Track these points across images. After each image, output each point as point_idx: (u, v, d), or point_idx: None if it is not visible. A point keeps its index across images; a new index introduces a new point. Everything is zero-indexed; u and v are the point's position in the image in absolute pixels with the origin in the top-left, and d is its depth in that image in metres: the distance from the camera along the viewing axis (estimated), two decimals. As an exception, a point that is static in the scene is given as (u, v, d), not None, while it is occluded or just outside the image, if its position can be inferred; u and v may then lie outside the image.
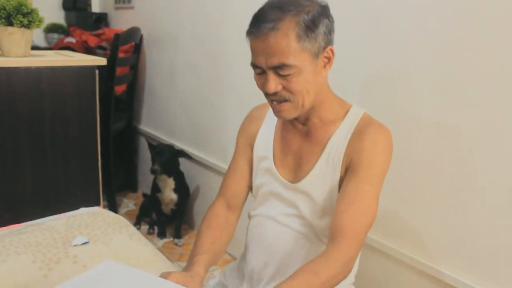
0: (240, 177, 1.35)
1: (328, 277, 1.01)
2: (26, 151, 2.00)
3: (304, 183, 1.22)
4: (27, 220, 1.42)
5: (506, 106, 1.34)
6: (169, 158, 2.75)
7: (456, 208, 1.50)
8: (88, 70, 2.11)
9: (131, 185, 3.61)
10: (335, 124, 1.21)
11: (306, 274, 1.01)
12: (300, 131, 1.25)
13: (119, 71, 3.00)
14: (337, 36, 1.14)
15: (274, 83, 1.07)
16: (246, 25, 1.09)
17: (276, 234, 1.28)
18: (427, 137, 1.55)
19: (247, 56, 1.11)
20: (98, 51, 3.35)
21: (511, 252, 1.38)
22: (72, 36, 3.48)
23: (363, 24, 1.72)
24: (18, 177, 2.01)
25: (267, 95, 1.13)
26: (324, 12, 1.09)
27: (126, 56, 3.20)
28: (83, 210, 1.51)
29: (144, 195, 3.24)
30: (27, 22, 1.93)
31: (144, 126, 3.51)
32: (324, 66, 1.12)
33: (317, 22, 1.05)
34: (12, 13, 1.90)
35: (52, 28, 3.77)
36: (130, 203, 3.40)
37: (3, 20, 1.90)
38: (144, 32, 3.35)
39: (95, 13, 3.90)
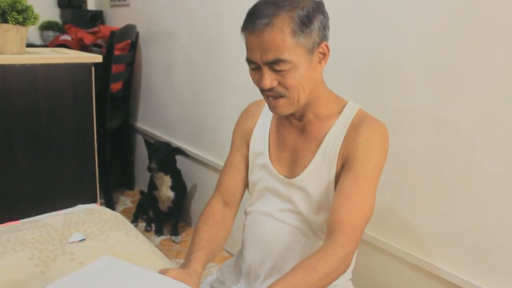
0: (236, 173, 1.35)
1: (326, 272, 1.01)
2: (22, 148, 1.99)
3: (300, 179, 1.22)
4: (24, 217, 1.42)
5: (502, 100, 1.34)
6: (165, 156, 2.75)
7: (452, 203, 1.50)
8: (84, 67, 2.10)
9: (128, 183, 3.61)
10: (330, 120, 1.21)
11: (304, 270, 1.01)
12: (296, 127, 1.25)
13: (115, 68, 2.99)
14: (331, 30, 1.14)
15: (269, 79, 1.08)
16: (242, 22, 1.09)
17: (272, 230, 1.28)
18: (423, 132, 1.55)
19: (244, 53, 1.11)
20: (93, 48, 3.34)
21: (506, 247, 1.38)
22: (68, 33, 3.47)
23: (357, 18, 1.72)
24: (14, 175, 2.00)
25: (262, 91, 1.13)
26: (319, 8, 1.09)
27: (122, 54, 3.19)
28: (80, 207, 1.51)
29: (141, 192, 3.24)
30: (22, 19, 1.92)
31: (141, 124, 3.51)
32: (319, 62, 1.12)
33: (311, 17, 1.06)
34: (6, 10, 1.89)
35: (48, 26, 3.75)
36: (127, 201, 3.40)
37: (-2, 17, 1.90)
38: (140, 29, 3.34)
39: (90, 11, 3.89)
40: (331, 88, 1.23)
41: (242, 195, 1.37)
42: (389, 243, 1.71)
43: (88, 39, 3.37)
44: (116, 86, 3.29)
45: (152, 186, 2.89)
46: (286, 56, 1.04)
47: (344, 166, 1.16)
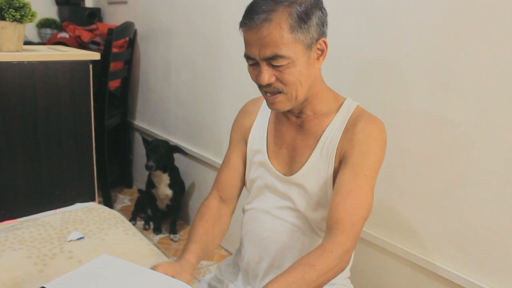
0: (233, 170, 1.35)
1: (325, 269, 1.01)
2: (19, 146, 1.99)
3: (298, 176, 1.22)
4: (22, 216, 1.42)
5: (500, 99, 1.34)
6: (164, 154, 2.74)
7: (450, 201, 1.50)
8: (81, 65, 2.09)
9: (126, 181, 3.61)
10: (328, 117, 1.21)
11: (302, 267, 1.01)
12: (294, 124, 1.25)
13: (113, 66, 2.98)
14: (329, 27, 1.14)
15: (267, 75, 1.08)
16: (241, 19, 1.09)
17: (270, 227, 1.28)
18: (421, 130, 1.55)
19: (242, 51, 1.11)
20: (91, 46, 3.33)
21: (505, 245, 1.38)
22: (66, 31, 3.46)
23: (355, 15, 1.72)
24: (12, 173, 1.99)
25: (260, 87, 1.13)
26: (317, 4, 1.09)
27: (120, 51, 3.18)
28: (78, 205, 1.51)
29: (139, 191, 3.24)
30: (19, 16, 1.91)
31: (139, 122, 3.50)
32: (318, 58, 1.12)
33: (309, 13, 1.06)
34: (3, 7, 1.88)
35: (45, 23, 3.74)
36: (125, 199, 3.39)
37: (-5, 14, 1.89)
38: (138, 27, 3.34)
39: (88, 8, 3.88)
40: (328, 85, 1.23)
41: (240, 193, 1.37)
42: (387, 241, 1.71)
43: (86, 36, 3.36)
44: (114, 84, 3.28)
45: (150, 184, 2.89)
46: (284, 51, 1.04)
47: (342, 163, 1.16)
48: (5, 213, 1.89)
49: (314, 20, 1.07)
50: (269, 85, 1.10)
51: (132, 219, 3.01)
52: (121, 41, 3.21)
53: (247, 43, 1.09)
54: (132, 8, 3.42)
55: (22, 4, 1.93)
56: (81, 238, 1.30)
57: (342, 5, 1.74)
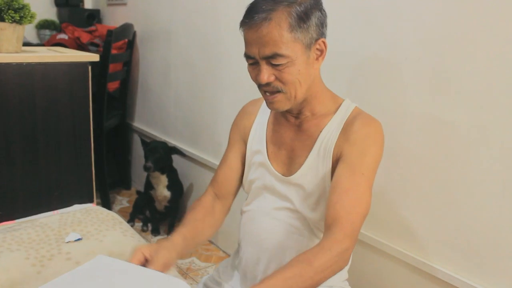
0: (230, 169, 1.35)
1: (322, 266, 1.01)
2: (18, 148, 1.99)
3: (296, 176, 1.23)
4: (20, 217, 1.42)
5: (498, 100, 1.35)
6: (162, 155, 2.74)
7: (449, 203, 1.50)
8: (80, 66, 2.10)
9: (124, 182, 3.60)
10: (326, 118, 1.22)
11: (300, 264, 1.01)
12: (293, 125, 1.26)
13: (112, 67, 2.98)
14: (327, 27, 1.15)
15: (267, 74, 1.09)
16: (241, 19, 1.10)
17: (269, 228, 1.28)
18: (419, 131, 1.55)
19: (242, 52, 1.12)
20: (90, 47, 3.33)
21: (503, 247, 1.38)
22: (65, 32, 3.46)
23: (352, 14, 1.72)
24: (10, 174, 1.99)
25: (260, 86, 1.14)
26: (317, 4, 1.11)
27: (119, 53, 3.18)
28: (76, 206, 1.51)
29: (138, 192, 3.24)
30: (18, 18, 1.92)
31: (138, 123, 3.50)
32: (317, 59, 1.13)
33: (309, 13, 1.07)
34: (3, 8, 1.88)
35: (44, 25, 3.75)
36: (123, 200, 3.39)
37: (-6, 15, 1.89)
38: (137, 28, 3.34)
39: (87, 10, 3.88)
40: (325, 85, 1.24)
41: (236, 191, 1.37)
42: (385, 243, 1.71)
43: (85, 38, 3.36)
44: (113, 85, 3.28)
45: (149, 185, 2.88)
46: (283, 50, 1.05)
47: (339, 162, 1.16)
48: (3, 214, 1.89)
49: (314, 20, 1.08)
50: (268, 84, 1.10)
51: (130, 220, 3.01)
52: (120, 43, 3.21)
53: (247, 42, 1.10)
54: (131, 9, 3.42)
55: (21, 6, 1.93)
56: (79, 239, 1.29)
57: (340, 5, 1.75)
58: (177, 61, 2.93)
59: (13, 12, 1.90)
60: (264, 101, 1.21)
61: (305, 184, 1.22)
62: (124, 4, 3.50)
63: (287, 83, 1.10)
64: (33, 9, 2.01)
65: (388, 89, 1.64)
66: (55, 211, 1.46)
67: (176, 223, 2.97)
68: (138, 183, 3.43)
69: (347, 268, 1.34)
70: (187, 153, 2.84)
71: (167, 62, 3.03)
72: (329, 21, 1.16)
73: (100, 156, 2.90)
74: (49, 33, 3.72)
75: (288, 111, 1.23)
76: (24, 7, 1.95)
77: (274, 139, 1.29)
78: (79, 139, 2.15)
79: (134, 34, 3.34)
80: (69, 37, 3.36)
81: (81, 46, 3.32)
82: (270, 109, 1.20)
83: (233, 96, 2.45)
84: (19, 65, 1.92)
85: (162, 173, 2.79)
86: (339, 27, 1.74)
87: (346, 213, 1.07)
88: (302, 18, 1.06)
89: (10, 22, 1.92)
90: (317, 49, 1.12)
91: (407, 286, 1.67)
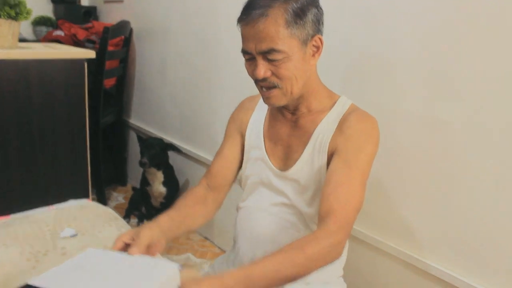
0: (224, 161, 1.36)
1: (314, 255, 1.01)
2: (14, 144, 1.99)
3: (292, 171, 1.23)
4: (15, 212, 1.42)
5: (493, 99, 1.35)
6: (158, 152, 2.74)
7: (443, 201, 1.51)
8: (77, 63, 2.10)
9: (120, 179, 3.60)
10: (322, 114, 1.23)
11: (291, 250, 1.01)
12: (289, 121, 1.27)
13: (108, 64, 2.98)
14: (323, 24, 1.15)
15: (263, 69, 1.10)
16: (237, 16, 1.12)
17: (265, 224, 1.29)
18: (413, 130, 1.56)
19: (238, 50, 1.13)
20: (87, 44, 3.32)
21: (496, 244, 1.39)
22: (61, 29, 3.45)
23: (349, 12, 1.73)
24: (6, 170, 1.99)
25: (256, 81, 1.15)
26: (313, 1, 1.12)
27: (115, 50, 3.18)
28: (71, 202, 1.51)
29: (134, 188, 3.24)
30: (14, 14, 1.92)
31: (134, 120, 3.50)
32: (313, 55, 1.15)
33: (305, 10, 1.09)
34: (-1, 4, 1.88)
35: (41, 21, 3.73)
36: (119, 197, 3.39)
37: (-10, 12, 1.89)
38: (133, 25, 3.33)
39: (84, 7, 3.87)
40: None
41: (230, 185, 1.37)
42: (380, 240, 1.72)
43: (81, 34, 3.35)
44: (109, 82, 3.28)
45: (145, 181, 2.88)
46: (279, 46, 1.07)
47: (334, 156, 1.17)
48: (-1, 209, 1.89)
49: (310, 16, 1.10)
50: (264, 79, 1.12)
51: (126, 216, 3.01)
52: (117, 40, 3.21)
53: (244, 38, 1.11)
54: (128, 6, 3.41)
55: (17, 2, 1.93)
56: (74, 235, 1.30)
57: (337, 3, 1.75)
58: (173, 58, 2.92)
59: (9, 8, 1.90)
60: (261, 97, 1.21)
61: (300, 178, 1.23)
62: (121, 1, 3.49)
63: (283, 78, 1.11)
64: (29, 5, 2.01)
65: (383, 87, 1.64)
66: (51, 207, 1.45)
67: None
68: (134, 180, 3.43)
69: (342, 265, 1.35)
70: (183, 150, 2.84)
71: (164, 59, 3.02)
72: (326, 18, 1.17)
73: (96, 153, 2.91)
74: (45, 30, 3.71)
75: (285, 107, 1.24)
76: (20, 4, 1.94)
77: (271, 135, 1.30)
78: (75, 135, 2.15)
79: (131, 31, 3.34)
80: (65, 34, 3.36)
81: (77, 43, 3.31)
82: (266, 104, 1.20)
83: (229, 93, 2.45)
84: (14, 62, 1.92)
85: (158, 169, 2.79)
86: (336, 25, 1.74)
87: (340, 205, 1.08)
88: (299, 15, 1.08)
89: (5, 19, 1.92)
90: (313, 45, 1.13)
91: (401, 282, 1.68)
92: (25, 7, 1.97)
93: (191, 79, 2.77)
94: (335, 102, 1.24)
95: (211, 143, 2.63)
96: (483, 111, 1.38)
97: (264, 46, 1.07)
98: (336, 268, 1.34)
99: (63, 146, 2.12)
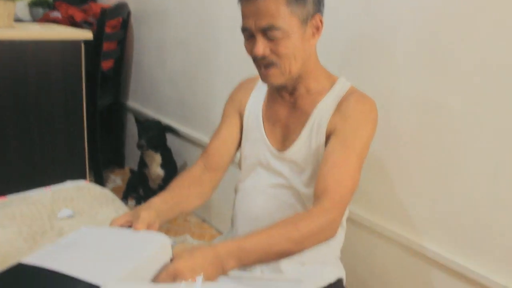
0: (222, 141, 1.35)
1: (309, 231, 1.01)
2: (11, 125, 1.98)
3: (290, 152, 1.24)
4: (12, 193, 1.42)
5: (491, 83, 1.35)
6: (155, 134, 2.74)
7: (440, 184, 1.51)
8: (73, 44, 2.08)
9: (118, 161, 3.60)
10: (321, 95, 1.22)
11: (285, 224, 1.02)
12: (288, 102, 1.27)
13: (106, 46, 2.96)
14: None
15: (262, 46, 1.10)
16: (235, 1, 1.12)
17: (263, 205, 1.29)
18: (411, 113, 1.56)
19: (237, 32, 1.12)
20: (84, 26, 3.29)
21: (492, 228, 1.40)
22: (58, 10, 3.42)
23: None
24: (3, 151, 1.99)
25: (255, 60, 1.15)
26: None
27: (113, 32, 3.15)
28: (69, 183, 1.51)
29: (131, 171, 3.24)
30: (10, -6, 1.90)
31: (132, 102, 3.49)
32: (313, 35, 1.15)
33: None
34: (-6, -16, 1.86)
35: (37, 2, 3.69)
36: (117, 179, 3.39)
37: (-15, -9, 1.87)
38: (131, 7, 3.30)
39: (81, -13, 3.83)
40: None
41: (226, 165, 1.36)
42: (377, 222, 1.72)
43: (78, 16, 3.32)
44: (107, 64, 3.26)
45: (142, 164, 2.88)
46: (279, 23, 1.06)
47: (331, 136, 1.17)
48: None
49: None
50: (263, 57, 1.12)
51: (124, 199, 3.01)
52: (114, 21, 3.18)
53: (244, 15, 1.11)
54: (126, -13, 3.38)
55: (12, -19, 1.91)
56: (71, 215, 1.30)
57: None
58: (171, 40, 2.90)
59: (4, -13, 1.88)
60: (260, 78, 1.21)
61: (298, 159, 1.23)
62: (118, -18, 3.45)
63: (282, 56, 1.11)
64: (25, -15, 1.99)
65: (382, 69, 1.63)
66: (48, 187, 1.45)
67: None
68: (132, 162, 3.43)
69: (339, 246, 1.36)
70: (181, 132, 2.84)
71: (162, 41, 3.00)
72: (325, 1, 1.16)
73: (94, 135, 2.90)
74: (42, 11, 3.67)
75: (283, 88, 1.24)
76: (15, -17, 1.92)
77: (269, 116, 1.30)
78: (72, 116, 2.15)
79: (129, 13, 3.31)
80: (62, 16, 3.32)
81: (74, 25, 3.28)
82: (264, 82, 1.20)
83: (227, 75, 2.44)
84: (10, 42, 1.90)
85: (156, 151, 2.79)
86: (336, 5, 1.73)
87: (336, 184, 1.08)
88: None
89: (1, -2, 1.90)
90: (313, 25, 1.13)
91: (397, 264, 1.69)
92: (21, -14, 1.95)
93: (189, 61, 2.75)
94: (334, 83, 1.23)
95: (209, 125, 2.63)
96: (481, 93, 1.37)
97: (264, 23, 1.07)
98: (334, 249, 1.35)
99: (60, 127, 2.11)
